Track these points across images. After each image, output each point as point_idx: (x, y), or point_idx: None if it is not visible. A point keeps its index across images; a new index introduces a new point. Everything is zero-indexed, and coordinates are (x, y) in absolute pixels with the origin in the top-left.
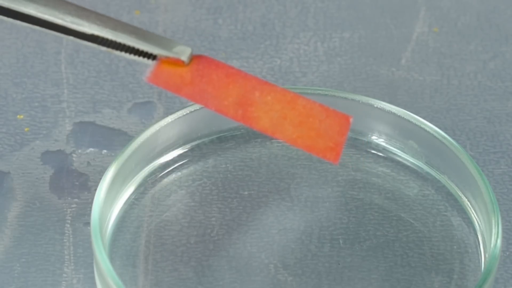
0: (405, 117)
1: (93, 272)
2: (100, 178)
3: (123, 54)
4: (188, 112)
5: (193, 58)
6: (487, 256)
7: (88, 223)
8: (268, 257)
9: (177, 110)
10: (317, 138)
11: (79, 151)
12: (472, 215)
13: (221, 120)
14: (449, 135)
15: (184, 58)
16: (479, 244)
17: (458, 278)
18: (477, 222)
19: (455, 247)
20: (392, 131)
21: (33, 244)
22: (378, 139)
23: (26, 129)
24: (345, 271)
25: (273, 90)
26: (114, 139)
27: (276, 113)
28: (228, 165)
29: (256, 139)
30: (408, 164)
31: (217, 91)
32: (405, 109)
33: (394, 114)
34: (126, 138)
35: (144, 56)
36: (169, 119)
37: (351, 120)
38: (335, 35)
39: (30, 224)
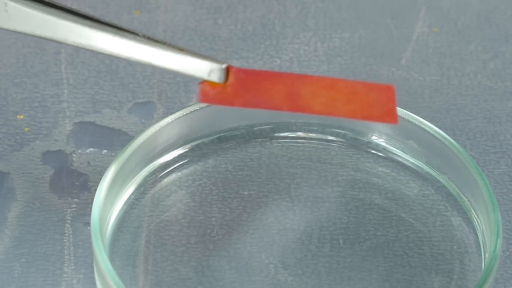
0: (405, 117)
1: (93, 272)
2: (100, 178)
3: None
4: (188, 112)
5: (229, 72)
6: (487, 256)
7: (88, 223)
8: (268, 257)
9: (177, 110)
10: (370, 108)
11: (79, 151)
12: (472, 215)
13: (221, 120)
14: (449, 135)
15: (216, 79)
16: (479, 244)
17: (458, 278)
18: (477, 222)
19: (455, 247)
20: (392, 131)
21: (33, 244)
22: (378, 139)
23: (26, 129)
24: (345, 271)
25: (312, 80)
26: (114, 139)
27: (324, 97)
28: (228, 165)
29: (256, 139)
30: (408, 164)
31: (264, 94)
32: (405, 109)
33: None
34: (126, 138)
35: None
36: (169, 119)
37: (394, 87)
38: (335, 35)
39: (30, 224)
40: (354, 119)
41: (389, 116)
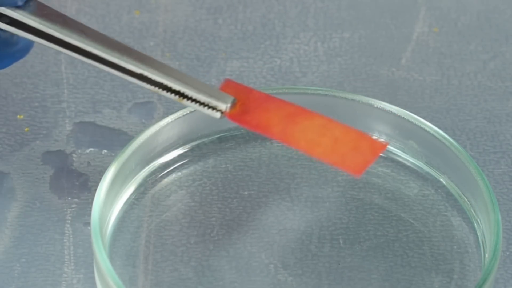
0: (405, 117)
1: (93, 272)
2: (100, 178)
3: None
4: (188, 112)
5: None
6: (487, 256)
7: (88, 223)
8: (268, 257)
9: (177, 110)
10: (347, 153)
11: (79, 151)
12: (472, 215)
13: (221, 120)
14: (449, 135)
15: (224, 108)
16: (479, 244)
17: (458, 278)
18: (477, 222)
19: (455, 247)
20: (392, 131)
21: (33, 244)
22: (378, 139)
23: (26, 129)
24: (345, 271)
25: (311, 115)
26: (114, 139)
27: (312, 135)
28: (228, 165)
29: (256, 139)
30: (408, 164)
31: (263, 112)
32: (405, 109)
33: (394, 114)
34: (126, 138)
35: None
36: (169, 119)
37: (386, 146)
38: (335, 35)
39: (30, 224)
40: (325, 162)
41: (356, 167)
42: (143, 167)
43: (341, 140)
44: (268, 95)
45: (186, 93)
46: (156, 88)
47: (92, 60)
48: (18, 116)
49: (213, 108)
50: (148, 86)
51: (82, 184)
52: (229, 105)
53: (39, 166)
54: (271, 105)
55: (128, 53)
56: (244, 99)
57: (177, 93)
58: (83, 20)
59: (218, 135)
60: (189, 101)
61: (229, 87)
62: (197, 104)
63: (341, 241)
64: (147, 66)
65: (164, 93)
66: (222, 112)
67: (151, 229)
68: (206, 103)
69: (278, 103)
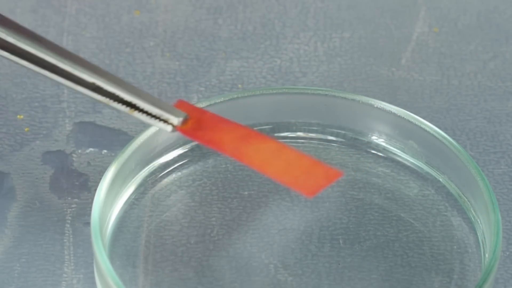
0: (405, 117)
1: (93, 272)
2: (100, 178)
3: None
4: None
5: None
6: (487, 256)
7: (88, 223)
8: (268, 257)
9: None
10: (300, 175)
11: (79, 151)
12: (472, 215)
13: None
14: (449, 135)
15: (176, 123)
16: (479, 244)
17: (458, 278)
18: (477, 222)
19: (455, 247)
20: (392, 131)
21: (33, 244)
22: (378, 139)
23: (26, 129)
24: (345, 271)
25: (264, 139)
26: (114, 139)
27: (265, 156)
28: (228, 165)
29: None
30: (408, 164)
31: (216, 132)
32: (405, 109)
33: (394, 114)
34: (126, 138)
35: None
36: None
37: (341, 175)
38: (335, 35)
39: (30, 224)
40: (279, 181)
41: (310, 188)
42: (143, 167)
43: (294, 164)
44: (221, 117)
45: (137, 105)
46: (107, 99)
47: (43, 69)
48: (18, 116)
49: (165, 121)
50: (99, 97)
51: (82, 184)
52: (181, 119)
53: (39, 166)
54: (224, 126)
55: (82, 63)
56: (197, 119)
57: (129, 104)
58: (83, 20)
59: None
60: (141, 113)
61: (182, 107)
62: (149, 116)
63: (341, 241)
64: (100, 76)
65: (115, 104)
66: (173, 126)
67: (151, 229)
68: (157, 115)
69: (231, 125)
